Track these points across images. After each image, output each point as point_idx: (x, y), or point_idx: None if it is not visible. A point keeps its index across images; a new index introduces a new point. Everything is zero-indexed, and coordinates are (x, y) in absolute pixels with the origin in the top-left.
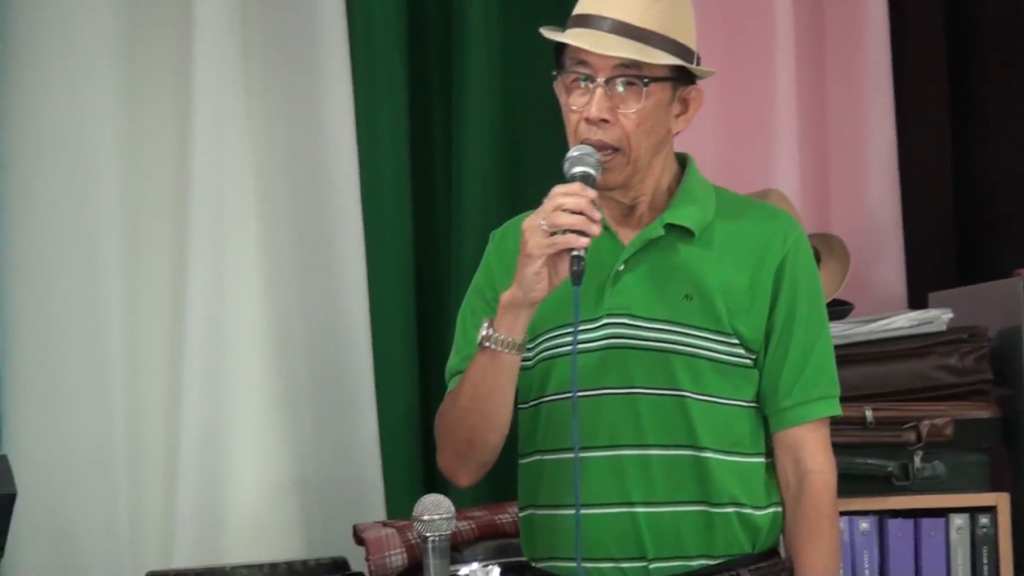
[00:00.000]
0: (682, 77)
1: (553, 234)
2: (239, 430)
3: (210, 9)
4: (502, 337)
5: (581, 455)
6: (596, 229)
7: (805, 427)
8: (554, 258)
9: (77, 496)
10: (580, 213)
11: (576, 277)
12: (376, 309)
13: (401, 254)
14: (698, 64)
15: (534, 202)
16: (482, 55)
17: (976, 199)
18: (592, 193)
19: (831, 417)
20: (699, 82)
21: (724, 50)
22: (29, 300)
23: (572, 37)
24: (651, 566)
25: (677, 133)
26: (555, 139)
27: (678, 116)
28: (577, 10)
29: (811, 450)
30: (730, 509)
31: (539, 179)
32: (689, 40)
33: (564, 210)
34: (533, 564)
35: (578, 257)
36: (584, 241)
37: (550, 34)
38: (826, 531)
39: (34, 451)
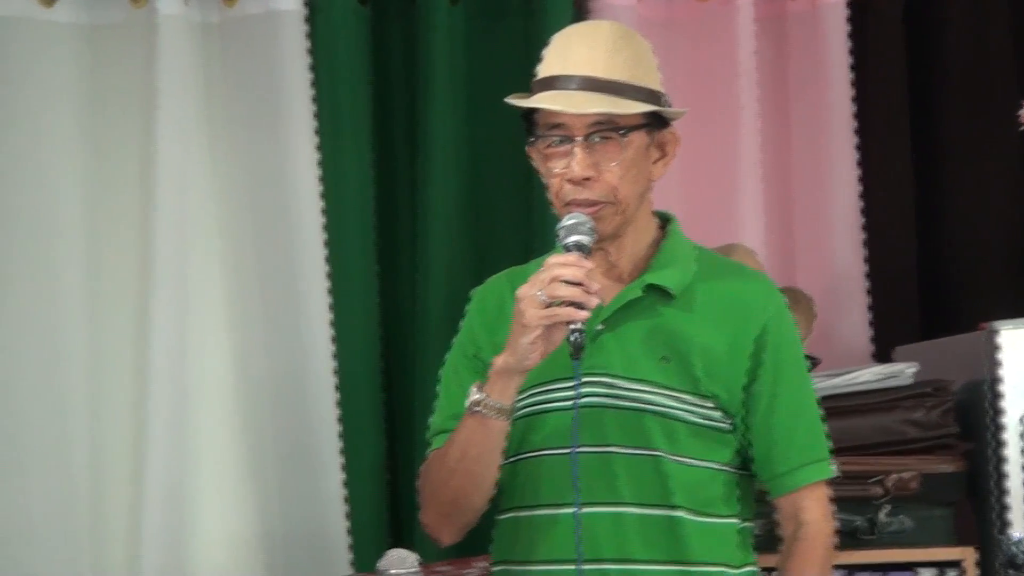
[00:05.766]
0: (656, 121)
1: (550, 305)
2: (203, 483)
3: (175, 61)
4: (493, 403)
5: (553, 512)
6: (594, 301)
7: (803, 491)
8: (549, 327)
9: (38, 550)
10: (578, 284)
11: (576, 351)
12: (342, 361)
13: (366, 307)
14: (668, 106)
15: (498, 259)
16: (447, 115)
17: (940, 253)
18: (589, 264)
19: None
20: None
21: (688, 105)
22: None
23: (542, 101)
24: None
25: (658, 179)
26: (519, 199)
27: (657, 161)
28: (541, 73)
29: (810, 506)
30: (705, 568)
31: (502, 237)
32: (656, 84)
33: (562, 281)
34: None
35: (578, 331)
36: (583, 314)
37: (518, 102)
38: None
39: None
